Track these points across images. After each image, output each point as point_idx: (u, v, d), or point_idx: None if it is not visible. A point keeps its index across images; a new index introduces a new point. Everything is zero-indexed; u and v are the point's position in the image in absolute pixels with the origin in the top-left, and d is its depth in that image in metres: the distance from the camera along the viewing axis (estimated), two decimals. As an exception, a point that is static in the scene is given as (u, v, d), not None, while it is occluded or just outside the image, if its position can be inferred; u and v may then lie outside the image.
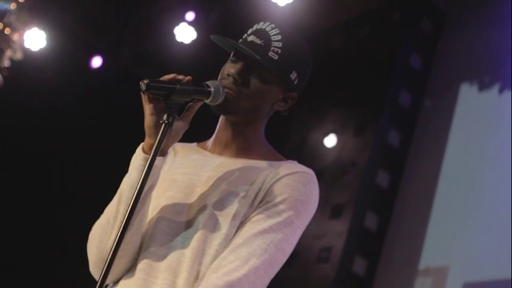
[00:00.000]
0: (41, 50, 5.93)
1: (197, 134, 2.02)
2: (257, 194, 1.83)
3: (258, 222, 1.80)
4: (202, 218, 1.80)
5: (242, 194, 1.82)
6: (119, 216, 1.79)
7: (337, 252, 5.18)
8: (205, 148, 1.97)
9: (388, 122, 5.44)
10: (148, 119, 1.76)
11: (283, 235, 1.80)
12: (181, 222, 1.82)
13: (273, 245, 1.79)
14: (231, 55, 1.92)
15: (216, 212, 1.80)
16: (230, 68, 1.89)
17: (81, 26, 6.29)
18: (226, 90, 1.84)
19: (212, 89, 1.80)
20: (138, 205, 1.72)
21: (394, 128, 5.44)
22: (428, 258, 4.87)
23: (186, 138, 1.89)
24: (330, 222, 5.34)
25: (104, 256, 1.80)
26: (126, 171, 1.82)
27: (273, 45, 1.88)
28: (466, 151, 5.04)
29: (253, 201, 1.82)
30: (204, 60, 4.88)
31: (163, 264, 1.78)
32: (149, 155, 1.73)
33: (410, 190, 5.28)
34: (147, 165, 1.71)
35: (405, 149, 5.41)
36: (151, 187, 1.78)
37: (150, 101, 1.76)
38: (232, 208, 1.81)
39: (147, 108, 1.77)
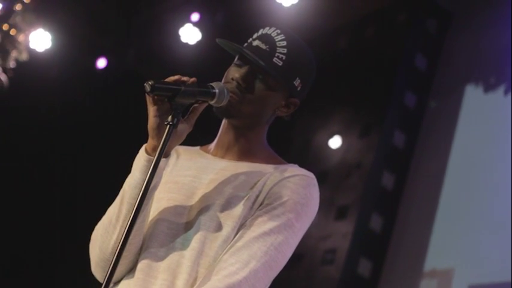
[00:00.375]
0: (46, 51, 5.93)
1: (199, 138, 2.01)
2: (257, 196, 1.83)
3: (258, 225, 1.80)
4: (202, 220, 1.81)
5: (243, 196, 1.83)
6: (121, 217, 1.80)
7: (342, 254, 5.16)
8: (207, 151, 1.98)
9: (393, 123, 5.43)
10: (152, 120, 1.77)
11: (283, 238, 1.81)
12: (181, 224, 1.83)
13: (273, 247, 1.79)
14: (236, 59, 1.92)
15: (217, 214, 1.81)
16: (234, 73, 1.89)
17: (86, 27, 6.30)
18: (229, 94, 1.84)
19: (217, 91, 1.80)
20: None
21: (399, 129, 5.43)
22: (433, 260, 4.86)
23: (188, 141, 1.89)
24: (335, 223, 5.33)
25: (105, 256, 1.82)
26: (129, 172, 1.82)
27: (278, 51, 1.87)
28: (471, 152, 5.03)
29: (253, 203, 1.83)
30: (208, 61, 4.87)
31: (163, 265, 1.79)
32: (152, 157, 1.74)
33: (415, 191, 5.26)
34: (151, 166, 1.71)
35: (410, 150, 5.39)
36: (154, 188, 1.79)
37: (155, 102, 1.76)
38: (233, 210, 1.81)
39: (151, 110, 1.77)
